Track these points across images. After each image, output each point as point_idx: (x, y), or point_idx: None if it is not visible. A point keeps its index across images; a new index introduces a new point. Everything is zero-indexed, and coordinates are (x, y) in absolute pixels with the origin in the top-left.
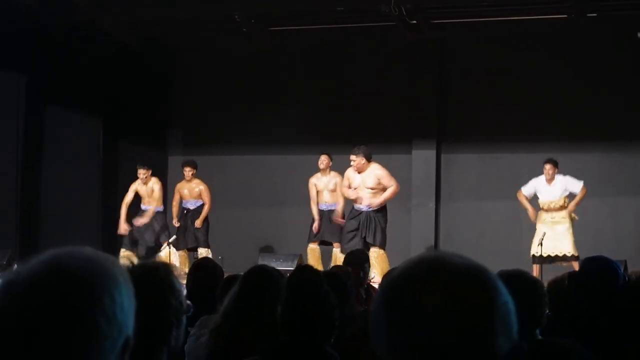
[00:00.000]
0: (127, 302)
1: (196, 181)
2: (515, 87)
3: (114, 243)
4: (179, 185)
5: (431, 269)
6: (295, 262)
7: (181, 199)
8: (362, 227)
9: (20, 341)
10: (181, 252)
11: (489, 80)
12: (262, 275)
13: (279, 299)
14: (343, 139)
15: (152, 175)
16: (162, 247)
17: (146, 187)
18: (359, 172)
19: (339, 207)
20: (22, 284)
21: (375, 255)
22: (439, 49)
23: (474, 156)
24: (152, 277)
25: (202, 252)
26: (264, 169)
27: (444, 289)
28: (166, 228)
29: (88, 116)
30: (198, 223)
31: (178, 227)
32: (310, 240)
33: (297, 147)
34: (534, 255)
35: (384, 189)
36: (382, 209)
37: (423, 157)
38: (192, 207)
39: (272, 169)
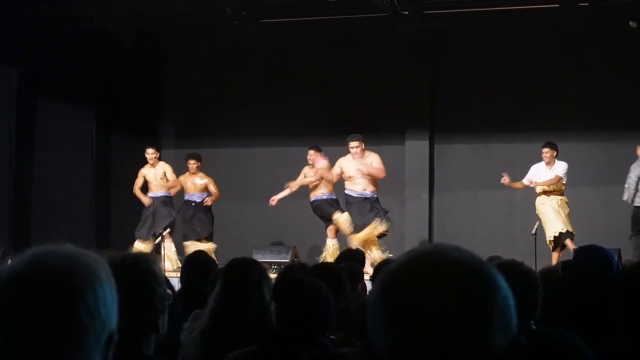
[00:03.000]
0: (110, 297)
1: (200, 174)
2: (508, 77)
3: (107, 237)
4: (182, 178)
5: (430, 262)
6: (290, 254)
7: (184, 191)
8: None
9: (3, 339)
10: (189, 243)
11: (481, 71)
12: (241, 270)
13: (264, 291)
14: (336, 131)
15: (157, 152)
16: (157, 236)
17: (154, 171)
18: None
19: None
20: (4, 283)
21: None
22: (431, 40)
23: (467, 147)
24: (134, 267)
25: (206, 246)
26: (258, 162)
27: (442, 283)
28: (172, 216)
29: (80, 109)
30: (209, 201)
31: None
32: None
33: (290, 140)
34: (554, 237)
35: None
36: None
37: (416, 148)
38: (198, 200)
39: (265, 161)
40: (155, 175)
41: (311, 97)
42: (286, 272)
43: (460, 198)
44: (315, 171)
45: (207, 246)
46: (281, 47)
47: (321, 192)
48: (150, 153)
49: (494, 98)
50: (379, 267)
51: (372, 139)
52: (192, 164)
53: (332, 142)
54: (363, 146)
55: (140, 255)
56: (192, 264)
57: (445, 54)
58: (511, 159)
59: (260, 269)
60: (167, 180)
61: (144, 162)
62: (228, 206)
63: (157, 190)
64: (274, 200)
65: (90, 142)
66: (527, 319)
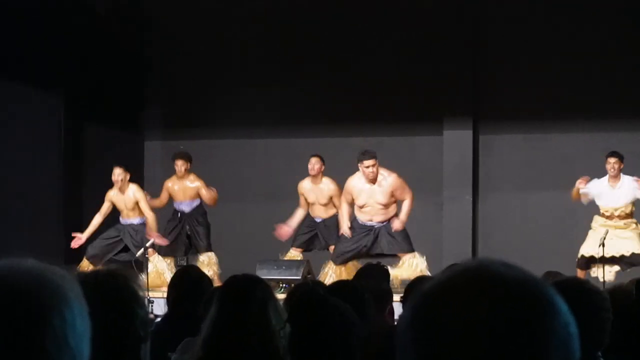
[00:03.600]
0: (80, 323)
1: (191, 177)
2: (566, 55)
3: (78, 248)
4: (168, 183)
5: (472, 281)
6: (302, 270)
7: (172, 199)
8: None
9: None
10: (168, 260)
11: (534, 48)
12: (241, 290)
13: (269, 315)
14: (356, 121)
15: (127, 173)
16: (138, 253)
17: (124, 197)
18: (372, 183)
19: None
20: None
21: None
22: (474, 14)
23: (518, 137)
24: (110, 285)
25: (205, 259)
26: (261, 156)
27: (487, 307)
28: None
29: (47, 94)
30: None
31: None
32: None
33: (300, 130)
34: (584, 256)
35: (394, 203)
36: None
37: (457, 139)
38: (187, 209)
39: (270, 155)
40: (125, 203)
41: (328, 79)
42: (304, 290)
43: (511, 200)
44: (333, 193)
45: (206, 258)
46: (292, 16)
47: (334, 212)
48: (117, 174)
49: (549, 79)
50: (411, 287)
51: (402, 128)
52: (180, 165)
53: (352, 132)
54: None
55: (117, 271)
56: (181, 282)
57: (490, 29)
58: (571, 151)
59: (265, 288)
60: (139, 211)
61: (123, 156)
62: (224, 210)
63: (129, 217)
64: (284, 232)
65: (58, 132)
66: (594, 349)
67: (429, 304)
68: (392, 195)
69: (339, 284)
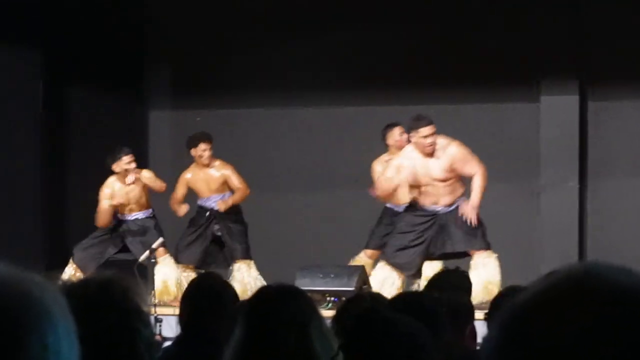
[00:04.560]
0: (66, 348)
1: (217, 164)
2: None
3: (62, 248)
4: (187, 175)
5: (579, 292)
6: (356, 278)
7: (197, 195)
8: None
9: None
10: (187, 271)
11: None
12: (275, 305)
13: (311, 339)
14: (424, 85)
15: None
16: (143, 256)
17: (132, 188)
18: (430, 155)
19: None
20: None
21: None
22: None
23: None
24: (105, 298)
25: (242, 269)
26: (298, 130)
27: (599, 327)
28: (159, 232)
29: (21, 53)
30: (222, 206)
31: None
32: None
33: (352, 96)
34: None
35: (457, 178)
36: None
37: (558, 108)
38: (216, 207)
39: (310, 129)
40: (134, 194)
41: (389, 31)
42: (359, 305)
43: (629, 187)
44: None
45: (244, 267)
46: None
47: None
48: (125, 161)
49: None
50: (499, 300)
51: (484, 93)
52: (203, 149)
53: (418, 98)
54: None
55: (114, 279)
56: (198, 295)
57: None
58: None
59: (305, 304)
60: (146, 202)
61: (121, 132)
62: (253, 202)
63: (133, 211)
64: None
65: (35, 103)
66: None
67: (522, 323)
68: (452, 168)
69: (404, 297)
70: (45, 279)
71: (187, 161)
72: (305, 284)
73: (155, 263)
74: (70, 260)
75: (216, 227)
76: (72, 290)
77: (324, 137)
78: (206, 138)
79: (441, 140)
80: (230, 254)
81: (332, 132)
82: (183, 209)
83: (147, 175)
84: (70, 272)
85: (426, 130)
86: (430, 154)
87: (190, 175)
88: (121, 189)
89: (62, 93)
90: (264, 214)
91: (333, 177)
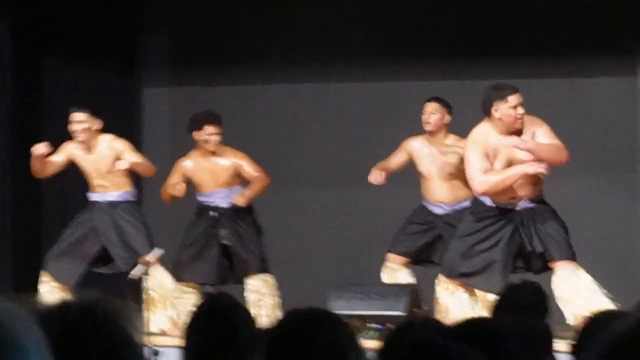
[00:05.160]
0: None
1: (227, 151)
2: None
3: (33, 261)
4: (185, 164)
5: None
6: (406, 300)
7: (195, 190)
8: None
9: None
10: (190, 289)
11: None
12: (302, 336)
13: None
14: (489, 54)
15: (106, 129)
16: (135, 270)
17: (94, 157)
18: (518, 133)
19: None
20: None
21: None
22: None
23: None
24: (89, 327)
25: (258, 286)
26: (326, 111)
27: None
28: (147, 233)
29: None
30: (240, 200)
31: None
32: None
33: (398, 68)
34: None
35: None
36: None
37: None
38: (224, 204)
39: (342, 109)
40: (95, 164)
41: None
42: (411, 335)
43: None
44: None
45: (261, 283)
46: None
47: (464, 195)
48: (76, 121)
49: None
50: (590, 328)
51: (567, 63)
52: (210, 132)
53: (480, 71)
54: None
55: (99, 301)
56: (206, 322)
57: None
58: None
59: (341, 332)
60: (122, 170)
61: (110, 111)
62: (273, 202)
63: (106, 189)
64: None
65: (3, 73)
66: None
67: (626, 354)
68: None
69: (468, 324)
70: (14, 306)
71: (188, 148)
72: (341, 307)
73: (146, 278)
74: (44, 274)
75: (223, 232)
76: (48, 317)
77: (360, 119)
78: (213, 119)
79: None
80: (242, 267)
81: (370, 112)
82: (179, 190)
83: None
84: (46, 289)
85: (515, 98)
86: (518, 131)
87: (190, 164)
88: (81, 152)
89: (35, 62)
90: (284, 215)
91: (361, 167)
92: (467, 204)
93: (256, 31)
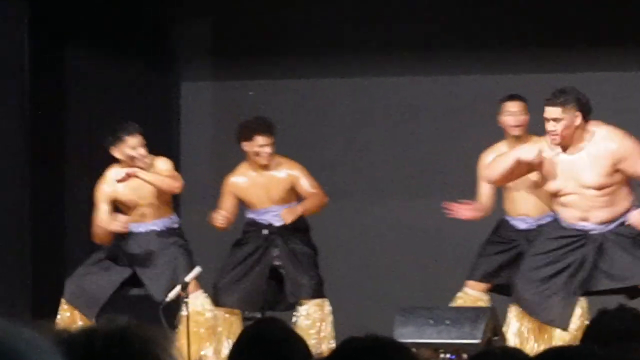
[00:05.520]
0: None
1: (280, 162)
2: None
3: (56, 276)
4: (237, 180)
5: None
6: (481, 327)
7: (246, 205)
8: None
9: None
10: (230, 315)
11: None
12: None
13: None
14: (561, 46)
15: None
16: (172, 293)
17: (137, 183)
18: (565, 147)
19: None
20: None
21: None
22: None
23: None
24: (118, 353)
25: (311, 310)
26: (396, 110)
27: None
28: (188, 257)
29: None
30: (288, 216)
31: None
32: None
33: (475, 61)
34: None
35: (621, 184)
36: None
37: None
38: (279, 222)
39: (414, 109)
40: (137, 190)
41: None
42: None
43: None
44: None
45: (315, 309)
46: None
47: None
48: (129, 143)
49: None
50: None
51: (610, 58)
52: (261, 145)
53: (533, 65)
54: (577, 117)
55: (130, 328)
56: (254, 351)
57: None
58: None
59: None
60: (168, 205)
61: (141, 116)
62: (327, 214)
63: (148, 219)
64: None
65: (20, 66)
66: None
67: None
68: (615, 168)
69: (552, 354)
70: (32, 333)
71: (233, 152)
72: (409, 335)
73: (187, 302)
74: (63, 300)
75: (275, 251)
76: (71, 345)
77: (435, 120)
78: (265, 129)
79: (589, 127)
80: (295, 291)
81: (447, 112)
82: (223, 221)
83: (162, 166)
84: (65, 316)
85: (551, 109)
86: (565, 145)
87: (240, 180)
88: (125, 185)
89: (55, 54)
90: (343, 232)
91: (445, 178)
92: (551, 218)
93: (310, 18)
